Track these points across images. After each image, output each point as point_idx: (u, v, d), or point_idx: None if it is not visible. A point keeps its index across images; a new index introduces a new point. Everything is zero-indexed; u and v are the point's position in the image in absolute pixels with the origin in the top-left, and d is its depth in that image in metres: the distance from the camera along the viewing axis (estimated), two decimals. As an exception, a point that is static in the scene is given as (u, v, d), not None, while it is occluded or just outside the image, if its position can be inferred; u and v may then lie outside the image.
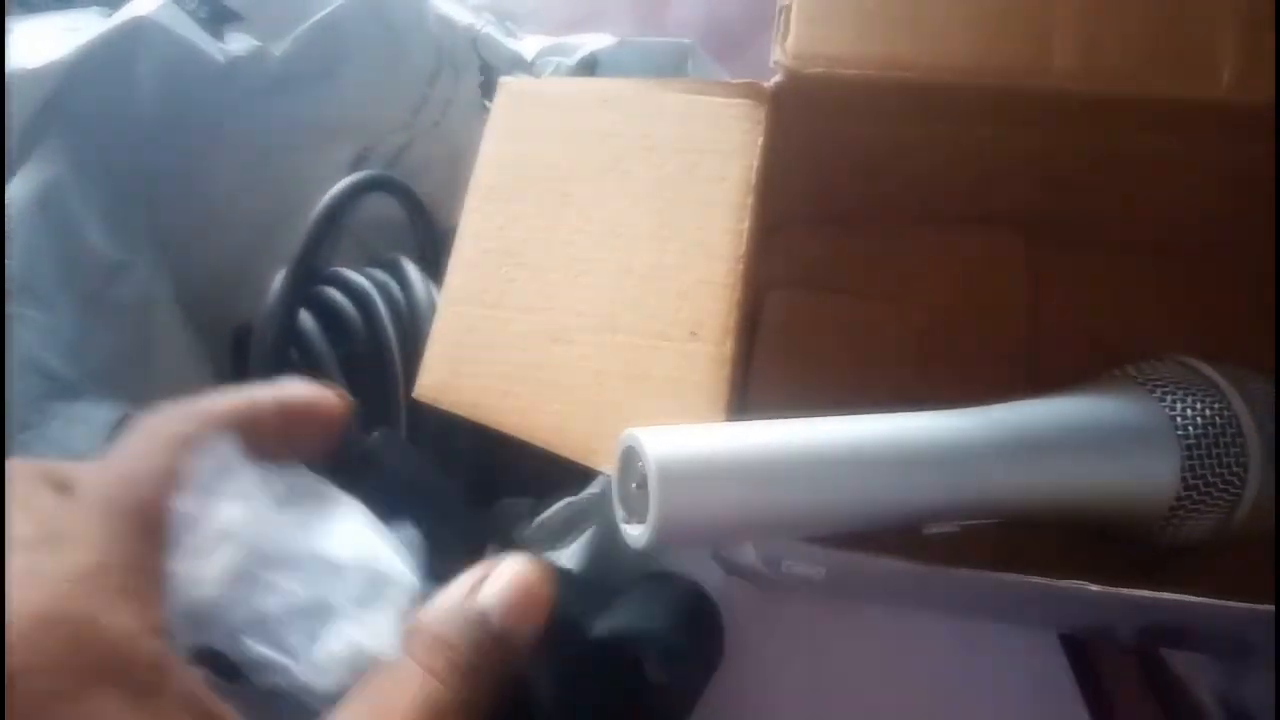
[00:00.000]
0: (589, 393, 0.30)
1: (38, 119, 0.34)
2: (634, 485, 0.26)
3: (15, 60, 0.34)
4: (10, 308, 0.32)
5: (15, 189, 0.33)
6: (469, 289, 0.31)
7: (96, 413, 0.34)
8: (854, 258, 0.41)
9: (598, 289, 0.31)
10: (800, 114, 0.33)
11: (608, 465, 0.28)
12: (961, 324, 0.40)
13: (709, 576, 0.34)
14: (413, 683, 0.21)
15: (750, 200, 0.32)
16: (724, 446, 0.25)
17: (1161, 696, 0.35)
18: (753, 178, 0.32)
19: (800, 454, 0.25)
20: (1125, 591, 0.26)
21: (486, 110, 0.40)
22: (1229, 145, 0.33)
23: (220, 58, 0.37)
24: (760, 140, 0.32)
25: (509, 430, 0.30)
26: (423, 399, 0.30)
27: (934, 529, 0.28)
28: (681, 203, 0.32)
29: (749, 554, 0.29)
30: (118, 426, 0.34)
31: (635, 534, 0.26)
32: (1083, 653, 0.34)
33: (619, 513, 0.27)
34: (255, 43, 0.38)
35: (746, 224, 0.31)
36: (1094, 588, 0.26)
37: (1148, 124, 0.33)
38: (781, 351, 0.39)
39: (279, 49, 0.38)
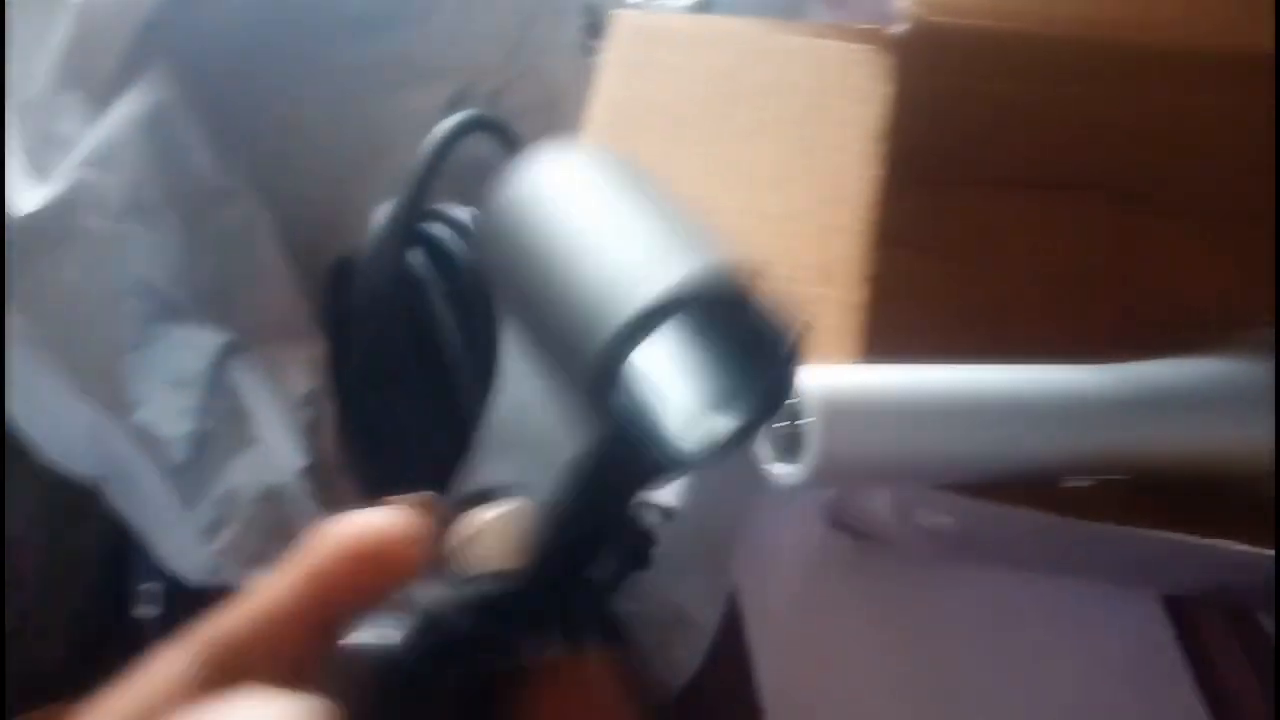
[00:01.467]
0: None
1: (140, 42, 0.33)
2: (783, 424, 0.26)
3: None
4: (120, 225, 0.31)
5: (123, 110, 0.32)
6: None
7: (201, 337, 0.33)
8: (947, 218, 0.41)
9: (721, 228, 0.31)
10: (923, 64, 0.33)
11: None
12: (1048, 290, 0.40)
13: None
14: None
15: (876, 148, 0.31)
16: (881, 386, 0.25)
17: (1258, 666, 0.35)
18: (878, 125, 0.32)
19: (960, 396, 0.25)
20: (1262, 550, 0.26)
21: (589, 53, 0.40)
22: None
23: (314, -8, 0.37)
24: (888, 88, 0.32)
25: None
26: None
27: (1070, 482, 0.28)
28: (808, 147, 0.32)
29: (881, 502, 0.29)
30: (222, 351, 0.34)
31: (787, 473, 0.26)
32: (1184, 615, 0.34)
33: (765, 452, 0.26)
34: (354, -26, 0.38)
35: (873, 171, 0.31)
36: (1230, 545, 0.26)
37: (1257, 78, 0.33)
38: (890, 310, 0.38)
39: (378, -18, 0.38)
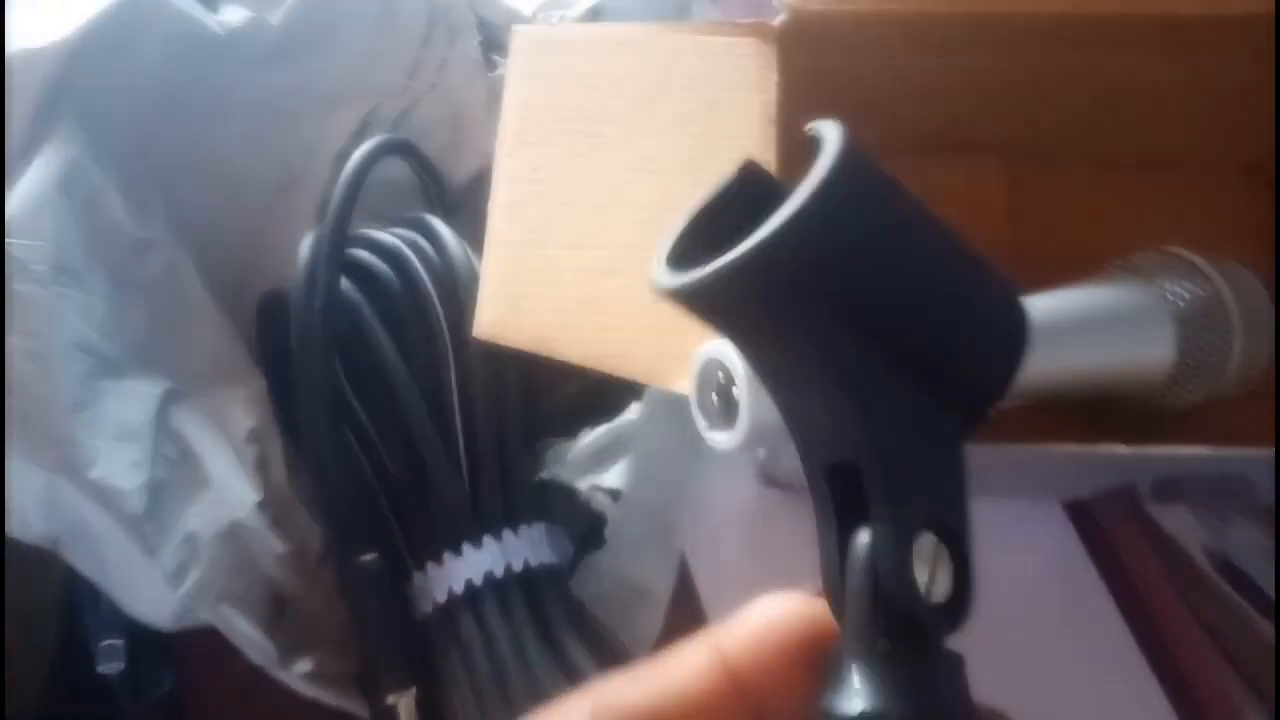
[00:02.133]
0: (647, 318, 0.31)
1: (49, 99, 0.34)
2: (714, 397, 0.28)
3: (17, 40, 0.33)
4: (52, 289, 0.32)
5: (38, 172, 0.32)
6: (513, 231, 0.33)
7: (141, 389, 0.34)
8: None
9: (641, 222, 0.33)
10: (804, 51, 0.35)
11: (675, 384, 0.30)
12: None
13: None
14: None
15: (774, 132, 0.34)
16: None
17: (1159, 553, 0.39)
18: (773, 111, 0.34)
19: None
20: (1151, 449, 0.30)
21: (488, 69, 0.41)
22: (1208, 58, 0.37)
23: (219, 30, 0.37)
24: (775, 77, 0.34)
25: (573, 359, 0.31)
26: (483, 337, 0.32)
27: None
28: (709, 137, 0.34)
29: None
30: (163, 400, 0.34)
31: (722, 439, 0.28)
32: (1088, 519, 0.38)
33: (700, 423, 0.29)
34: (250, 14, 0.38)
35: (774, 153, 0.33)
36: (1124, 449, 0.30)
37: (1129, 40, 0.37)
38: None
39: (275, 18, 0.38)
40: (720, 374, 0.28)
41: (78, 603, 0.41)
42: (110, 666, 0.40)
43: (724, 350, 0.27)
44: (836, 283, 0.15)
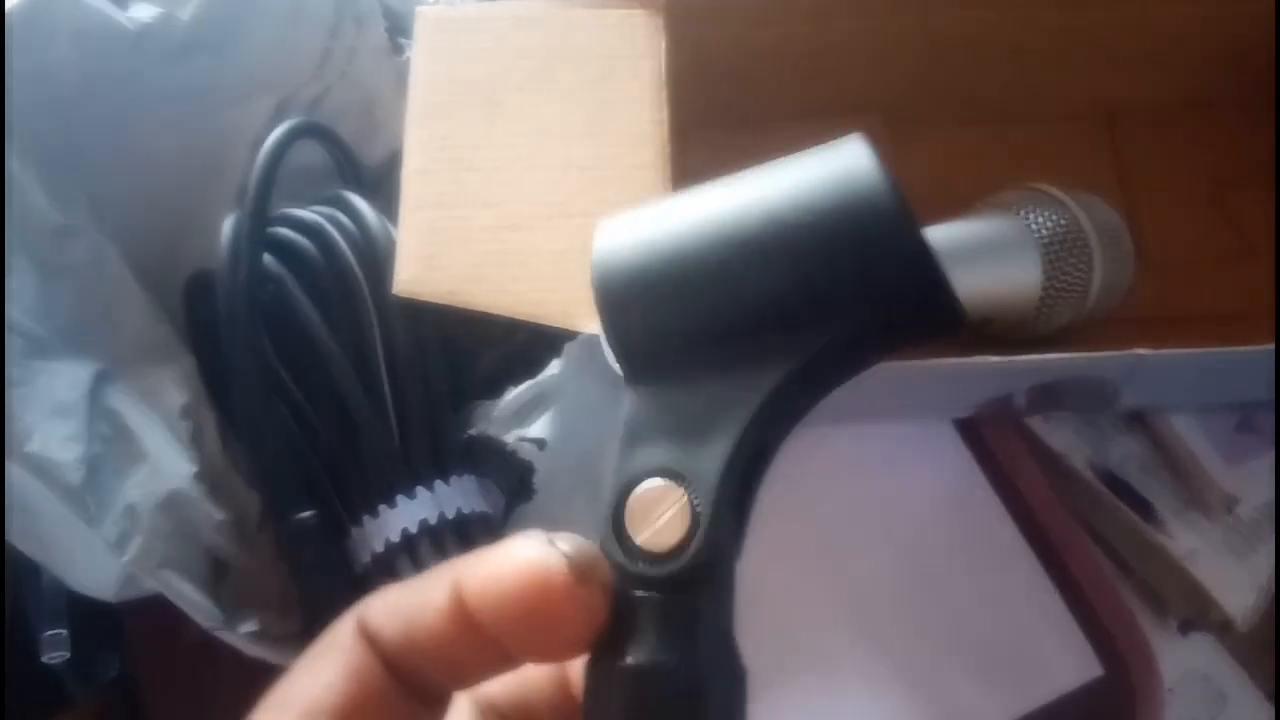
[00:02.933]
0: (556, 268, 0.33)
1: (-35, 93, 0.35)
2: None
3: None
4: (-23, 272, 0.33)
5: (-43, 161, 0.34)
6: (425, 195, 0.35)
7: (72, 369, 0.35)
8: (740, 156, 0.46)
9: (545, 181, 0.35)
10: (690, 21, 0.38)
11: (589, 326, 0.32)
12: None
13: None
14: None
15: (664, 95, 0.36)
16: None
17: (1046, 467, 0.42)
18: (662, 75, 0.36)
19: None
20: (1020, 357, 0.33)
21: (396, 53, 0.43)
22: (1072, 12, 0.40)
23: (130, 25, 0.39)
24: (662, 44, 0.37)
25: (490, 310, 0.33)
26: (402, 294, 0.33)
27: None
28: (605, 102, 0.36)
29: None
30: (95, 380, 0.36)
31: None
32: (978, 437, 0.41)
33: (611, 356, 0.31)
34: (159, 9, 0.40)
35: (665, 114, 0.36)
36: (995, 358, 0.33)
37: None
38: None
39: (185, 13, 0.40)
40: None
41: (18, 595, 0.42)
42: (55, 656, 0.40)
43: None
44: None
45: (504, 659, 0.18)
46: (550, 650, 0.18)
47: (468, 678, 0.19)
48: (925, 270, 0.18)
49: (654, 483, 0.18)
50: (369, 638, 0.18)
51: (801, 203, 0.19)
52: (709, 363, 0.18)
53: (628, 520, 0.18)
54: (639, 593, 0.17)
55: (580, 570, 0.17)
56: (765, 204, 0.19)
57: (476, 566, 0.17)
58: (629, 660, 0.17)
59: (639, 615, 0.17)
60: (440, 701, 0.19)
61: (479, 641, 0.17)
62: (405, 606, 0.18)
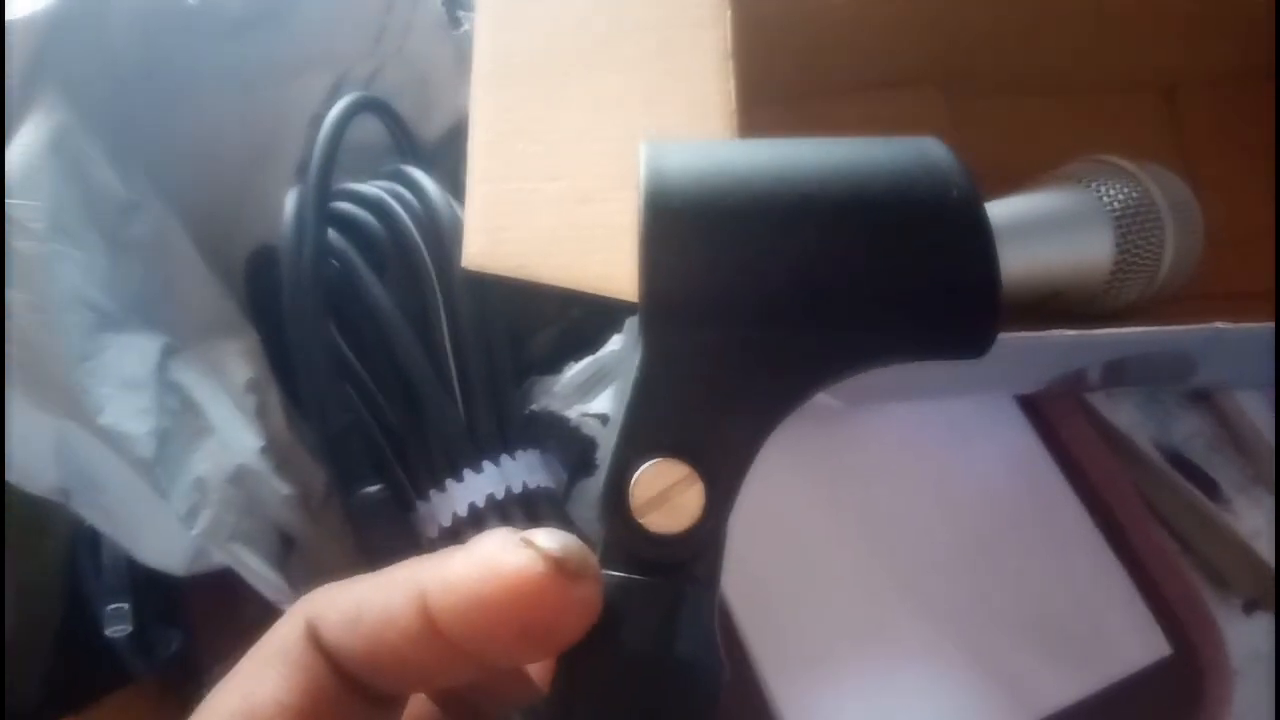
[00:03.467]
0: (624, 241, 0.33)
1: (33, 69, 0.35)
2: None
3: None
4: (50, 246, 0.33)
5: (29, 135, 0.34)
6: (491, 169, 0.34)
7: (140, 343, 0.35)
8: (802, 127, 0.46)
9: (610, 155, 0.35)
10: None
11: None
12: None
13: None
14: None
15: (730, 65, 0.36)
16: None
17: (1111, 446, 0.41)
18: (728, 45, 0.36)
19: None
20: (1098, 331, 0.32)
21: (453, 26, 0.43)
22: None
23: (186, 2, 0.39)
24: (728, 13, 0.36)
25: (558, 283, 0.33)
26: (471, 268, 0.33)
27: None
28: (669, 74, 0.36)
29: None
30: (163, 354, 0.36)
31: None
32: (1041, 416, 0.40)
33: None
34: (218, -15, 0.39)
35: (732, 84, 0.35)
36: (1072, 331, 0.32)
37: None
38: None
39: (242, -12, 0.40)
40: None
41: (80, 569, 0.42)
42: (117, 630, 0.41)
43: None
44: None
45: (478, 665, 0.16)
46: (540, 654, 0.16)
47: (434, 683, 0.18)
48: (987, 273, 0.17)
49: (666, 462, 0.16)
50: (322, 647, 0.17)
51: (883, 183, 0.18)
52: (747, 332, 0.16)
53: (633, 498, 0.16)
54: (634, 576, 0.16)
55: (571, 569, 0.15)
56: (845, 176, 0.18)
57: (443, 576, 0.16)
58: (622, 647, 0.16)
59: (633, 600, 0.16)
60: (398, 703, 0.18)
61: (450, 652, 0.16)
62: (365, 618, 0.16)
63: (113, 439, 0.32)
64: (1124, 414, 0.42)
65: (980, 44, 0.44)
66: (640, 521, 0.16)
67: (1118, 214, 0.36)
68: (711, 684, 0.17)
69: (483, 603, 0.15)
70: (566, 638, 0.16)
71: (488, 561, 0.16)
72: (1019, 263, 0.35)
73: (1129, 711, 0.37)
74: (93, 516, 0.35)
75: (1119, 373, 0.35)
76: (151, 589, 0.41)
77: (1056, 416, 0.41)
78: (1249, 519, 0.41)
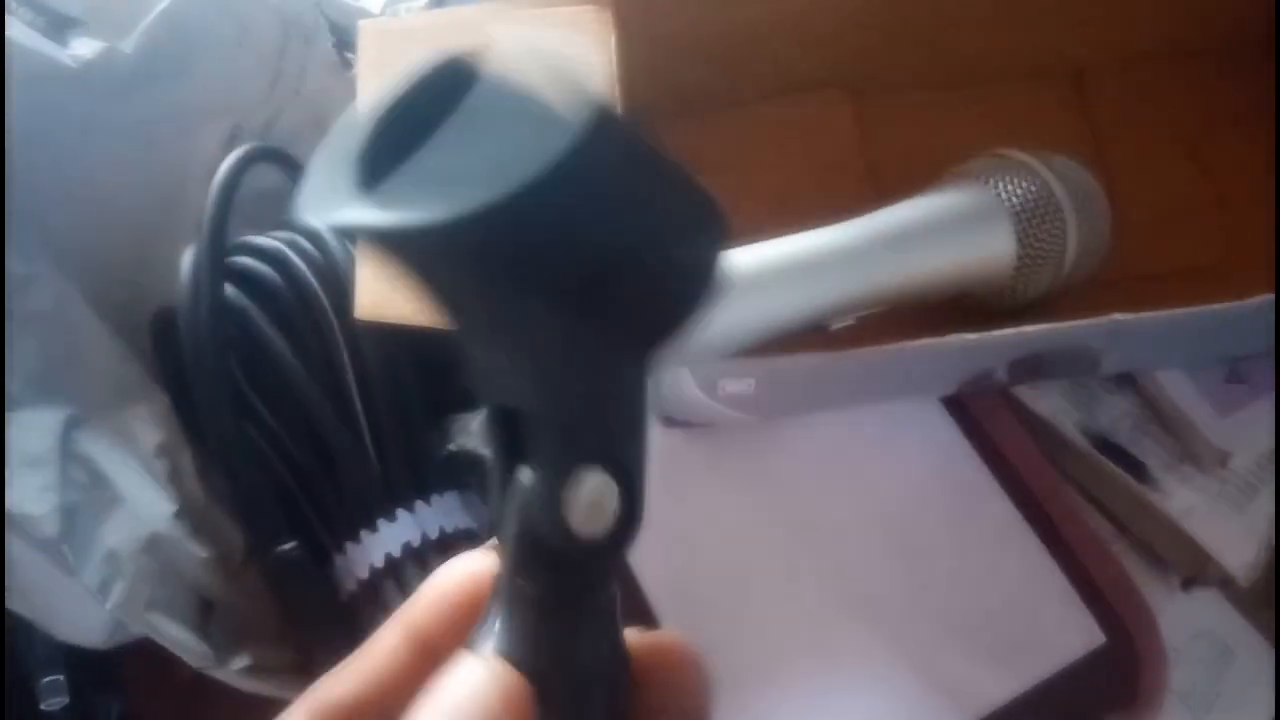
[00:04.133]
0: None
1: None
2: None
3: None
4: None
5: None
6: (383, 217, 0.34)
7: (44, 416, 0.35)
8: (707, 142, 0.46)
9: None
10: (639, 10, 0.37)
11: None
12: (809, 183, 0.45)
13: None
14: None
15: (617, 90, 0.36)
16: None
17: (1036, 436, 0.41)
18: (614, 70, 0.36)
19: (741, 270, 0.30)
20: (997, 332, 0.32)
21: (345, 68, 0.43)
22: None
23: (72, 63, 0.38)
24: (612, 37, 0.36)
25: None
26: (365, 317, 0.33)
27: (838, 324, 0.34)
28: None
29: (688, 385, 0.33)
30: (65, 426, 0.35)
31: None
32: (965, 412, 0.40)
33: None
34: (102, 44, 0.39)
35: (627, 109, 0.35)
36: (972, 335, 0.32)
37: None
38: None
39: (129, 46, 0.39)
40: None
41: (14, 643, 0.41)
42: (54, 703, 0.40)
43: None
44: (569, 241, 0.13)
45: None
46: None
47: None
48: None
49: (590, 471, 0.16)
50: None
51: None
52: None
53: (568, 506, 0.16)
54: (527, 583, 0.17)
55: None
56: None
57: (417, 599, 0.19)
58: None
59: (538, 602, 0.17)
60: None
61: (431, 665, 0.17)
62: (352, 670, 0.18)
63: (15, 521, 0.32)
64: (1048, 401, 0.42)
65: (883, 42, 0.44)
66: (573, 529, 0.16)
67: (1017, 209, 0.36)
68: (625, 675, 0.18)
69: (446, 602, 0.18)
70: None
71: (451, 569, 0.19)
72: (923, 266, 0.35)
73: (1067, 701, 0.37)
74: (7, 598, 0.35)
75: (1027, 369, 0.35)
76: (86, 659, 0.40)
77: (980, 411, 0.40)
78: (1179, 497, 0.41)
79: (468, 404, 0.39)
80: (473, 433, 0.38)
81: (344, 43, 0.42)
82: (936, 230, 0.36)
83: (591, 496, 0.16)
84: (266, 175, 0.41)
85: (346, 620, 0.35)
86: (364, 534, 0.35)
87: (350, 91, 0.42)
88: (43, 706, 0.40)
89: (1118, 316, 0.32)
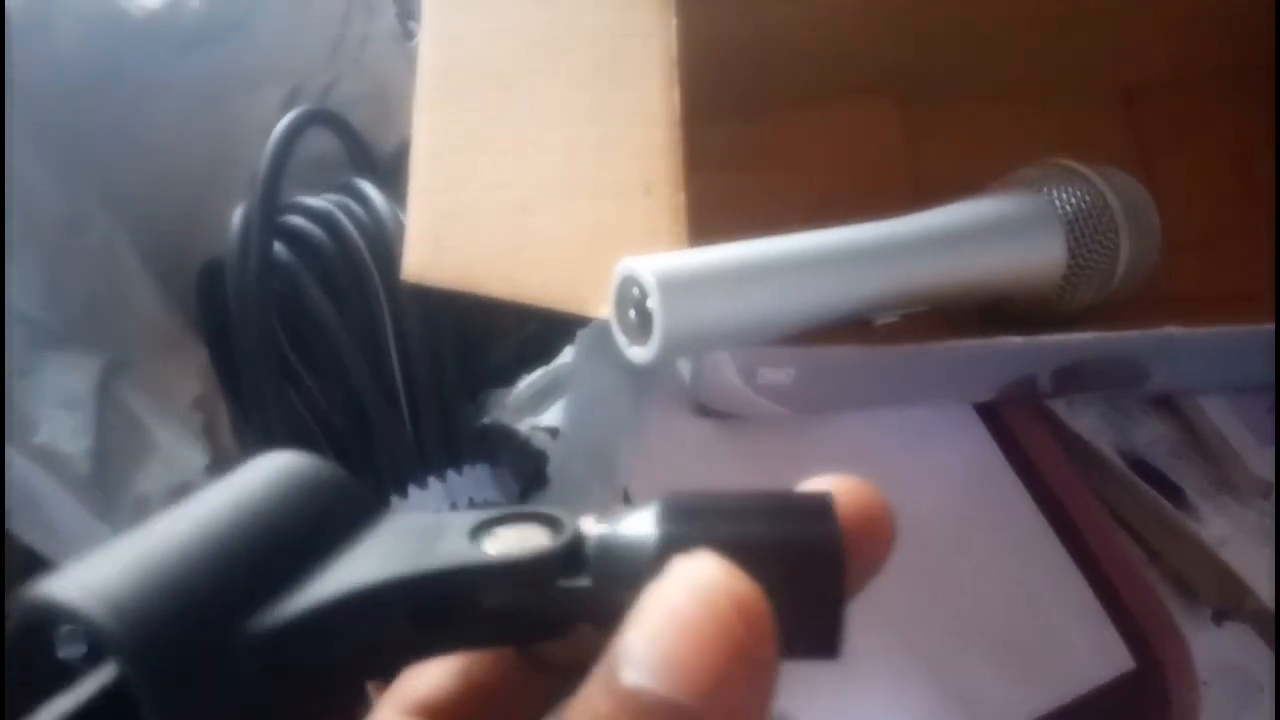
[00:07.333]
0: (565, 251, 0.33)
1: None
2: (631, 313, 0.30)
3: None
4: (-14, 262, 0.33)
5: (-34, 152, 0.33)
6: (434, 178, 0.34)
7: (82, 360, 0.35)
8: (757, 139, 0.46)
9: (553, 164, 0.34)
10: (700, 5, 0.37)
11: (598, 311, 0.32)
12: (854, 186, 0.45)
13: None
14: None
15: (676, 73, 0.36)
16: (709, 259, 0.29)
17: (1070, 452, 0.41)
18: (674, 53, 0.36)
19: (781, 258, 0.30)
20: (1045, 337, 0.32)
21: (407, 38, 0.43)
22: None
23: (138, 14, 0.38)
24: (674, 21, 0.36)
25: (499, 295, 0.32)
26: (411, 279, 0.33)
27: (881, 320, 0.33)
28: (615, 83, 0.35)
29: (727, 371, 0.33)
30: (105, 371, 0.35)
31: (640, 353, 0.29)
32: (1000, 423, 0.40)
33: (621, 340, 0.30)
34: (169, -3, 0.39)
35: (676, 94, 0.35)
36: (1018, 339, 0.32)
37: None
38: (710, 215, 0.43)
39: (194, 1, 0.40)
40: (635, 289, 0.29)
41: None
42: (71, 651, 0.40)
43: (636, 266, 0.29)
44: None
45: None
46: None
47: None
48: None
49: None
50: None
51: None
52: None
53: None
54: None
55: None
56: None
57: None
58: None
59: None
60: None
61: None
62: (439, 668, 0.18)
63: (49, 458, 0.32)
64: (1086, 420, 0.41)
65: (934, 51, 0.43)
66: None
67: (1070, 218, 0.36)
68: None
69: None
70: None
71: None
72: (970, 268, 0.35)
73: (1091, 726, 0.37)
74: (30, 536, 0.35)
75: (1071, 379, 0.35)
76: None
77: (1016, 424, 0.40)
78: (1215, 526, 0.41)
79: (509, 377, 0.39)
80: (508, 406, 0.38)
81: (408, 12, 0.42)
82: (987, 231, 0.35)
83: None
84: (321, 140, 0.42)
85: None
86: (395, 499, 0.35)
87: (410, 64, 0.42)
88: (59, 654, 0.40)
89: (1170, 329, 0.31)
